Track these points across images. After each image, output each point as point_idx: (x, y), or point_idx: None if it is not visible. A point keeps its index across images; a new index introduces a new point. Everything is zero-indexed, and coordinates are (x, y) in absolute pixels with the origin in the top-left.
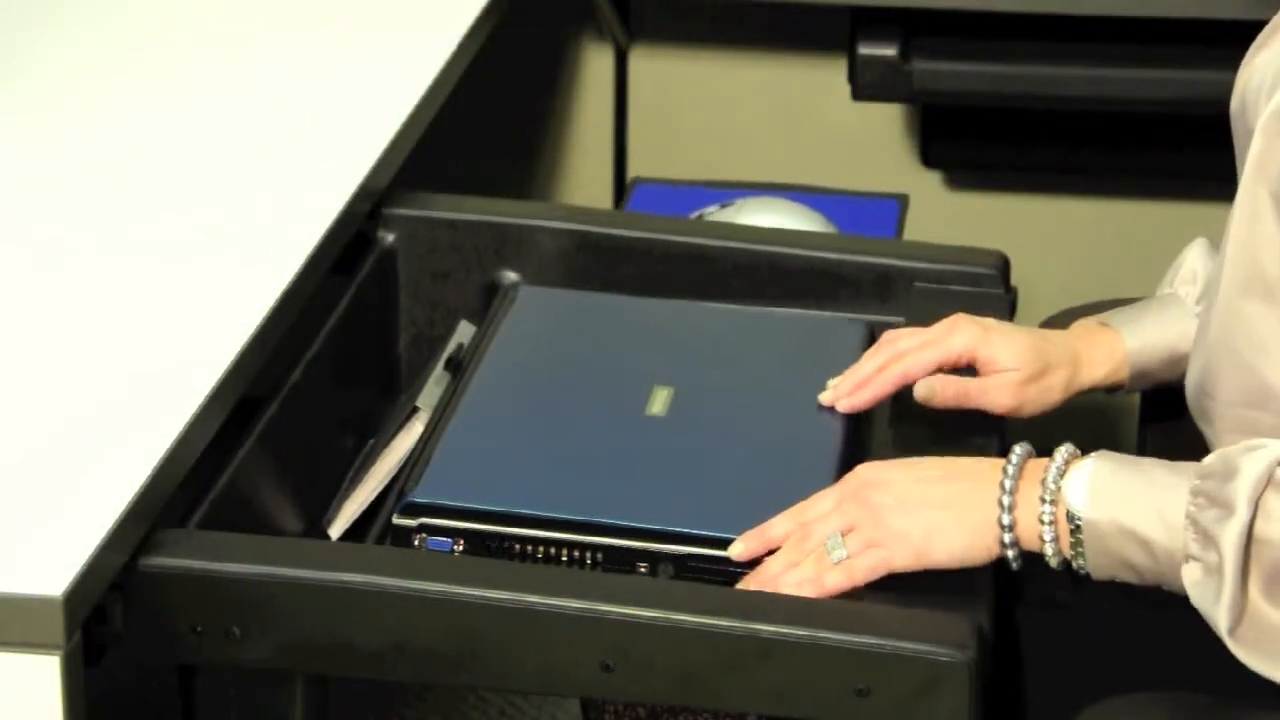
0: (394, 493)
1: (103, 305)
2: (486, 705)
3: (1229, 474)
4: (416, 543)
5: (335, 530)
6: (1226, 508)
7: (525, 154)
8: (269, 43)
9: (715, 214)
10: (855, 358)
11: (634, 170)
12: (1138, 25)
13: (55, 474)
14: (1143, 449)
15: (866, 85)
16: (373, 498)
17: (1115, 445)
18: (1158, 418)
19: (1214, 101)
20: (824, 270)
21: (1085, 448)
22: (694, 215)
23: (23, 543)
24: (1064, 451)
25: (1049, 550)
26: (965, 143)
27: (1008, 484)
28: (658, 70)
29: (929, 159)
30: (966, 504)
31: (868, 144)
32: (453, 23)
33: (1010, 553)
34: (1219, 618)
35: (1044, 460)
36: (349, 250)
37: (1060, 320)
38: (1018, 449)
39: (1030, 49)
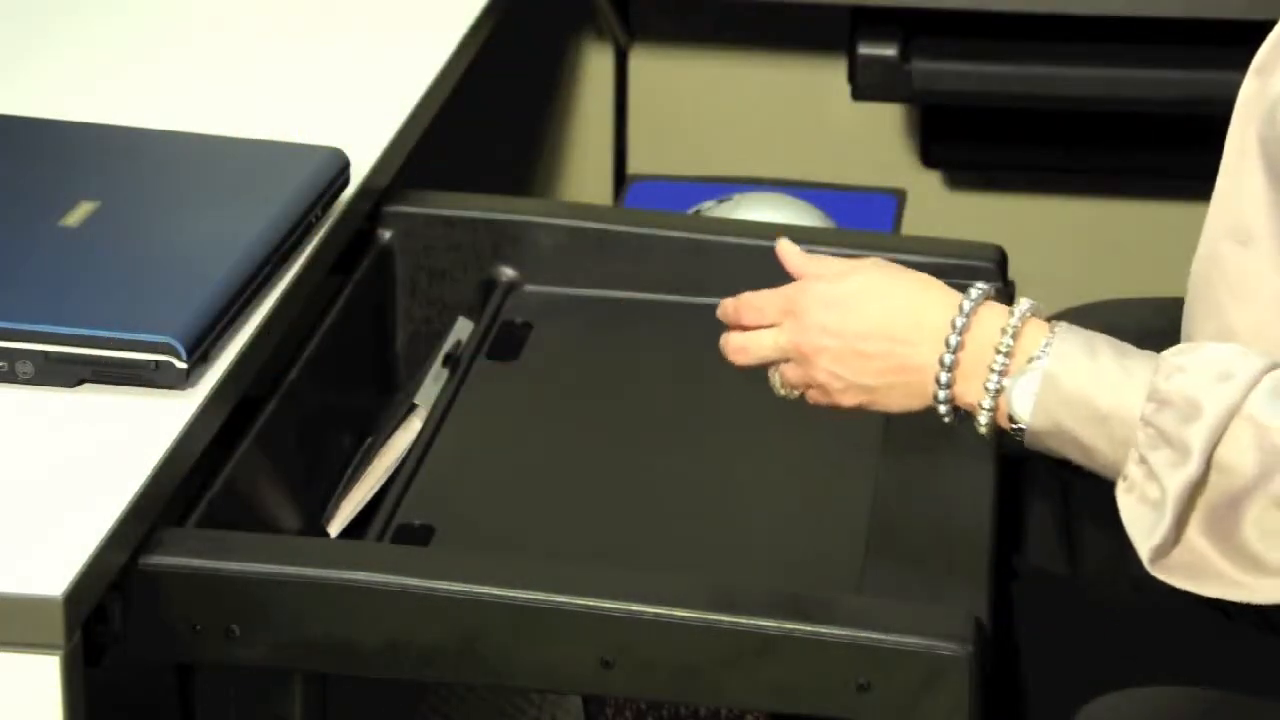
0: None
1: None
2: (486, 705)
3: (1190, 414)
4: None
5: (334, 528)
6: (1180, 451)
7: (526, 153)
8: (269, 42)
9: (712, 209)
10: (303, 181)
11: (634, 171)
12: (1138, 25)
13: (55, 474)
14: None
15: (866, 85)
16: (371, 495)
17: None
18: None
19: (1214, 101)
20: None
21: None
22: (691, 211)
23: (23, 542)
24: (1008, 339)
25: (986, 434)
26: (965, 143)
27: (944, 377)
28: (657, 70)
29: (929, 159)
30: (906, 390)
31: (867, 144)
32: (453, 22)
33: (947, 419)
34: (1144, 548)
35: (987, 353)
36: (346, 248)
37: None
38: (958, 321)
39: (1030, 49)
